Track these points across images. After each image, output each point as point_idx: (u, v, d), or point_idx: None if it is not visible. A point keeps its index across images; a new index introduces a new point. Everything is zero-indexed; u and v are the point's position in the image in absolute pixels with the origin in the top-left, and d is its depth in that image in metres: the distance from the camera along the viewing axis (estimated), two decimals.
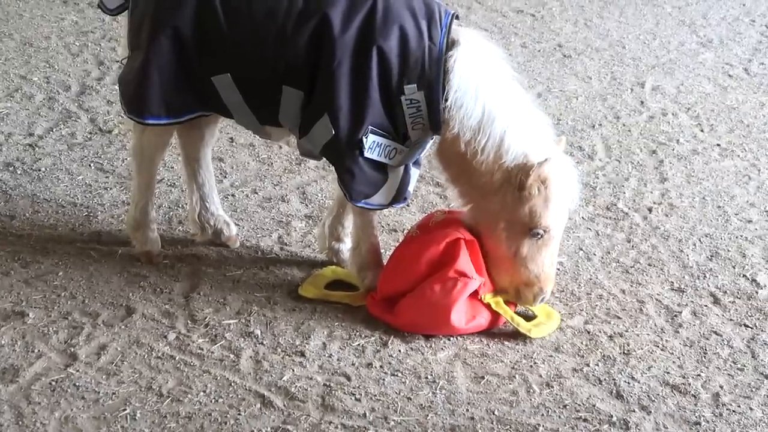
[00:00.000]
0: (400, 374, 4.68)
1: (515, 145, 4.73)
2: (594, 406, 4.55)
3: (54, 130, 6.67)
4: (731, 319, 5.19)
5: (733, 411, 4.57)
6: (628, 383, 4.70)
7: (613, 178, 6.51)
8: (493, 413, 4.48)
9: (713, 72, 8.22)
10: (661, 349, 4.94)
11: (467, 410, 4.49)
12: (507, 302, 5.01)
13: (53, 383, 4.50)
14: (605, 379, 4.71)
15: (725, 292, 5.40)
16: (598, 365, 4.81)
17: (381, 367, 4.72)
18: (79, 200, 5.90)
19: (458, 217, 5.01)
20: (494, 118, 4.74)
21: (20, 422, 4.27)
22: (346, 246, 5.37)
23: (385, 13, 4.76)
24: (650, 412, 4.53)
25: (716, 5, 9.74)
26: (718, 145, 7.01)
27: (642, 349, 4.93)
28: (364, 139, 4.79)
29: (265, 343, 4.82)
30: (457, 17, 4.91)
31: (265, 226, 5.77)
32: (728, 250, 5.77)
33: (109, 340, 4.79)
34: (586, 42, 8.71)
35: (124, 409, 4.38)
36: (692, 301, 5.31)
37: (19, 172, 6.15)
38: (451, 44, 4.78)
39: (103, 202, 5.90)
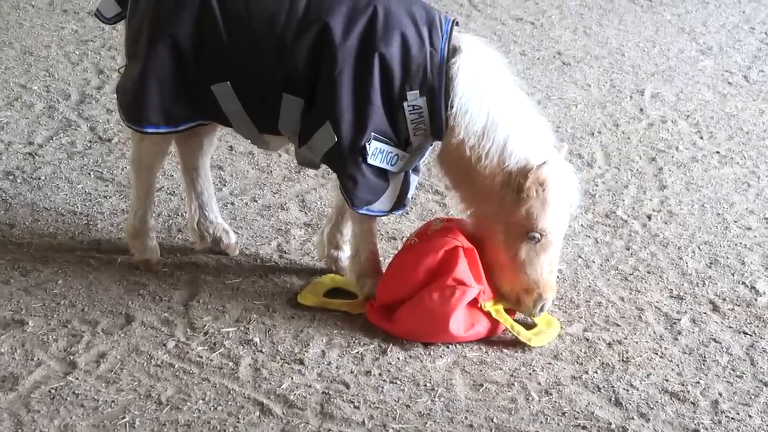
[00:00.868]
0: (398, 382, 4.69)
1: (518, 149, 4.76)
2: (593, 413, 4.56)
3: (54, 138, 6.69)
4: (730, 327, 5.20)
5: (732, 418, 4.58)
6: (627, 390, 4.71)
7: (613, 185, 6.52)
8: (492, 421, 4.49)
9: (713, 79, 8.23)
10: (660, 357, 4.95)
11: (466, 418, 4.50)
12: (507, 310, 5.02)
13: (53, 391, 4.51)
14: (604, 387, 4.72)
15: (724, 299, 5.41)
16: (596, 373, 4.82)
17: (380, 374, 4.73)
18: (79, 209, 5.92)
19: (457, 226, 5.03)
20: (498, 123, 4.78)
21: (20, 430, 4.29)
22: (345, 254, 5.38)
23: (386, 20, 4.78)
24: (649, 419, 4.54)
25: (716, 13, 9.76)
26: (718, 152, 7.02)
27: (641, 356, 4.94)
28: (367, 146, 4.80)
29: (264, 350, 4.84)
30: (457, 24, 4.93)
31: (264, 234, 5.79)
32: (727, 258, 5.78)
33: (109, 348, 4.80)
34: (585, 50, 8.72)
35: (124, 417, 4.39)
36: (691, 309, 5.32)
37: (18, 181, 6.17)
38: (453, 51, 4.80)
39: (103, 210, 5.92)
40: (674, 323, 5.20)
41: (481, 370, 4.79)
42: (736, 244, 5.92)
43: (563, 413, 4.55)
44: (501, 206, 4.83)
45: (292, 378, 4.67)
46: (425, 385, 4.67)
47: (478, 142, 4.79)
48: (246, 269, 5.46)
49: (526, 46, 8.75)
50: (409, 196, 5.12)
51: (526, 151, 4.78)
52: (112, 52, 7.99)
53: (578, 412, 4.56)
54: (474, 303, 4.90)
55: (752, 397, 4.72)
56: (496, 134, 4.78)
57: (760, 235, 6.03)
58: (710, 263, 5.72)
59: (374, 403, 4.55)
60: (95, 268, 5.38)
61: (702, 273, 5.62)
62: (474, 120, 4.78)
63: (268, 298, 5.22)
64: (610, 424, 4.50)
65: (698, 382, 4.79)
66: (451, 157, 4.90)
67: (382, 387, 4.65)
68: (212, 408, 4.47)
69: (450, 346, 4.92)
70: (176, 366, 4.71)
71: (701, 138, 7.21)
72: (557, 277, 5.42)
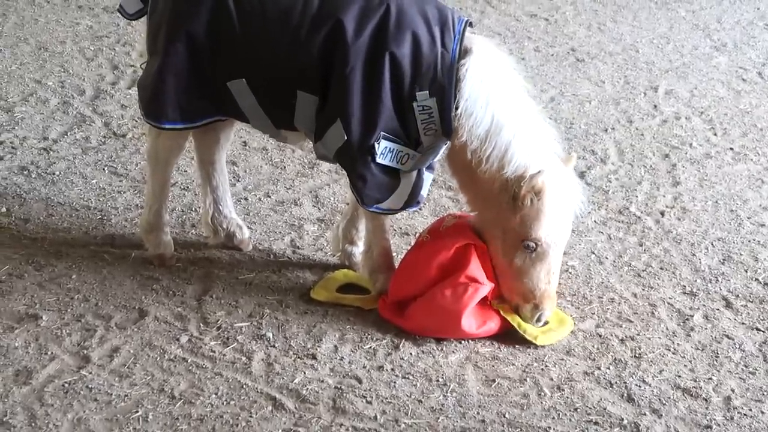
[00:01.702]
0: (411, 377, 4.69)
1: (518, 156, 4.73)
2: (605, 409, 4.55)
3: (68, 134, 6.71)
4: (743, 323, 5.18)
5: (745, 414, 4.57)
6: (640, 387, 4.70)
7: (626, 181, 6.51)
8: (504, 416, 4.48)
9: (727, 76, 8.21)
10: (673, 353, 4.94)
11: (478, 413, 4.50)
12: None
13: (66, 385, 4.52)
14: (616, 383, 4.72)
15: (737, 295, 5.39)
16: (609, 368, 4.81)
17: (392, 369, 4.73)
18: (93, 204, 5.93)
19: (468, 222, 5.03)
20: (502, 128, 4.74)
21: (33, 424, 4.29)
22: (358, 249, 5.39)
23: (398, 19, 4.77)
24: (661, 415, 4.53)
25: (730, 9, 9.74)
26: (731, 149, 7.00)
27: (653, 352, 4.93)
28: (376, 145, 4.80)
29: (276, 345, 4.84)
30: (471, 24, 4.91)
31: (278, 229, 5.79)
32: (741, 254, 5.76)
33: (122, 342, 4.81)
34: (599, 46, 8.71)
35: (137, 411, 4.40)
36: (704, 305, 5.31)
37: (33, 176, 6.18)
38: (464, 52, 4.78)
39: (117, 205, 5.93)
40: (687, 319, 5.19)
41: (493, 366, 4.79)
42: (749, 241, 5.90)
43: (575, 409, 4.55)
44: (499, 212, 4.80)
45: (304, 373, 4.68)
46: (437, 381, 4.67)
47: (480, 146, 4.76)
48: (259, 264, 5.46)
49: (540, 42, 8.75)
50: (423, 193, 5.10)
51: (527, 159, 4.74)
52: (127, 48, 8.01)
53: (590, 408, 4.55)
54: (485, 300, 4.90)
55: (765, 393, 4.71)
56: (499, 139, 4.74)
57: None
58: (723, 260, 5.71)
59: (386, 398, 4.55)
60: (109, 263, 5.39)
61: (715, 269, 5.61)
62: (478, 123, 4.75)
63: (281, 293, 5.22)
64: (622, 420, 4.49)
65: (711, 379, 4.78)
66: (456, 158, 4.88)
67: (395, 382, 4.65)
68: (225, 402, 4.48)
69: (462, 342, 4.91)
70: (189, 360, 4.72)
71: (715, 134, 7.20)
72: (569, 273, 5.45)
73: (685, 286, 5.45)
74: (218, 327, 4.94)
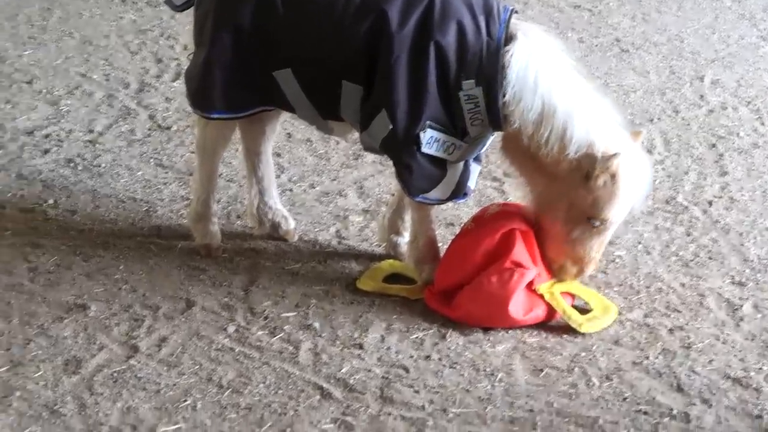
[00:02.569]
0: (458, 366, 4.68)
1: (578, 134, 4.68)
2: (654, 399, 4.53)
3: (113, 126, 6.75)
4: None
5: None
6: (689, 376, 4.67)
7: (673, 171, 6.47)
8: (552, 405, 4.47)
9: None
10: (722, 343, 4.90)
11: (526, 402, 4.48)
12: (561, 293, 5.00)
13: (115, 374, 4.55)
14: (665, 372, 4.69)
15: None
16: (658, 358, 4.78)
17: (439, 359, 4.72)
18: (139, 195, 5.97)
19: (513, 209, 5.02)
20: (555, 109, 4.69)
21: (83, 412, 4.33)
22: (404, 239, 5.38)
23: (443, 8, 4.75)
24: (711, 405, 4.50)
25: None
26: None
27: (703, 342, 4.89)
28: (422, 135, 4.79)
29: (323, 335, 4.85)
30: (516, 12, 4.89)
31: (323, 220, 5.80)
32: None
33: (170, 332, 4.84)
34: (644, 36, 8.65)
35: (185, 400, 4.42)
36: (753, 295, 5.26)
37: (80, 168, 6.23)
38: (509, 39, 4.75)
39: (163, 197, 5.96)
40: (736, 309, 5.14)
41: (541, 356, 4.78)
42: None
43: (624, 398, 4.52)
44: (568, 190, 4.77)
45: (351, 362, 4.68)
46: (485, 370, 4.66)
47: (536, 131, 4.72)
48: (305, 255, 5.48)
49: (584, 33, 8.70)
50: (470, 185, 5.09)
51: (589, 137, 4.70)
52: (171, 42, 8.05)
53: (639, 398, 4.53)
54: (530, 286, 4.89)
55: None
56: (555, 121, 4.69)
57: None
58: None
59: (434, 388, 4.55)
60: (155, 254, 5.42)
61: (764, 259, 5.56)
62: (528, 108, 4.70)
63: (327, 283, 5.23)
64: (672, 409, 4.46)
65: (761, 369, 4.73)
66: (513, 146, 4.87)
67: (442, 372, 4.65)
68: (273, 392, 4.49)
69: (510, 332, 4.90)
70: (237, 350, 4.73)
71: (762, 124, 7.13)
72: (616, 262, 5.44)
73: (733, 276, 5.41)
74: (265, 317, 4.96)
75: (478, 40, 4.73)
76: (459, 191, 5.01)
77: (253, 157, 5.52)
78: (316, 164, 6.40)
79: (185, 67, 5.39)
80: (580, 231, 4.83)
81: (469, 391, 4.54)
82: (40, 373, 4.53)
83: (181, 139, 6.58)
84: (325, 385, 4.53)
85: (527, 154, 4.81)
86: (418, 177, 4.88)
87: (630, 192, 4.78)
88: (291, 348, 4.76)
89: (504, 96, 4.72)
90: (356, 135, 5.18)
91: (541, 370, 4.68)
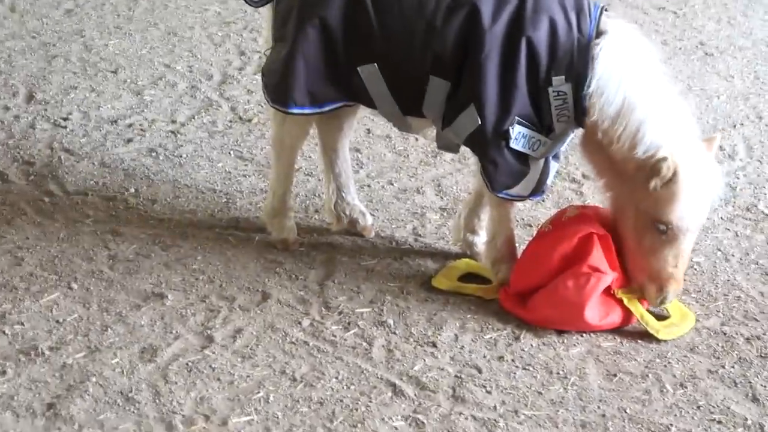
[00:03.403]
0: (531, 368, 4.66)
1: (650, 136, 4.65)
2: (729, 408, 4.47)
3: (196, 117, 6.81)
4: None
5: None
6: (765, 387, 4.60)
7: (754, 178, 6.38)
8: (625, 411, 4.43)
9: None
10: None
11: (598, 407, 4.45)
12: (639, 299, 4.95)
13: (190, 364, 4.59)
14: (741, 382, 4.63)
15: None
16: (734, 367, 4.72)
17: (512, 360, 4.71)
18: (219, 187, 6.01)
19: (591, 213, 4.99)
20: (634, 108, 4.67)
21: (157, 400, 4.37)
22: (480, 239, 5.37)
23: (535, 5, 4.75)
24: None
25: None
26: None
27: None
28: (511, 130, 4.78)
29: (397, 332, 4.85)
30: (607, 10, 4.87)
31: (400, 217, 5.80)
32: None
33: (245, 324, 4.87)
34: (729, 40, 8.55)
35: (258, 392, 4.44)
36: None
37: (161, 158, 6.29)
38: (599, 34, 4.74)
39: (242, 189, 6.00)
40: None
41: (615, 360, 4.74)
42: None
43: (698, 407, 4.47)
44: (633, 192, 4.74)
45: (424, 360, 4.68)
46: (558, 373, 4.64)
47: (611, 126, 4.70)
48: (381, 251, 5.48)
49: (668, 35, 8.62)
50: (548, 182, 5.07)
51: (660, 140, 4.66)
52: (254, 34, 8.10)
53: (714, 407, 4.48)
54: (608, 290, 4.85)
55: None
56: (631, 119, 4.67)
57: None
58: None
59: (506, 389, 4.53)
60: (233, 246, 5.46)
61: None
62: (609, 102, 4.69)
63: (402, 280, 5.23)
64: (747, 419, 4.41)
65: None
66: (590, 140, 4.84)
67: (515, 373, 4.63)
68: (345, 387, 4.50)
69: (584, 335, 4.87)
70: (311, 344, 4.75)
71: None
72: (694, 269, 5.36)
73: None
74: (340, 312, 4.97)
75: (569, 37, 4.72)
76: (539, 188, 5.00)
77: (330, 153, 5.54)
78: (394, 161, 6.40)
79: None
80: (650, 239, 4.77)
81: (542, 394, 4.51)
82: (116, 360, 4.58)
83: (262, 132, 6.61)
84: (397, 382, 4.54)
85: (600, 149, 4.79)
86: (503, 172, 4.87)
87: (694, 196, 4.70)
88: (364, 344, 4.77)
89: (588, 87, 4.70)
90: (433, 132, 5.16)
91: (615, 375, 4.64)
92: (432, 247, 5.54)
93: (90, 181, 6.01)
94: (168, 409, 4.33)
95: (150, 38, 8.01)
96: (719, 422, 4.39)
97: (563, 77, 4.73)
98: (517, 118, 4.77)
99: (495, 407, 4.42)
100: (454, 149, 5.08)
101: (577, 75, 4.72)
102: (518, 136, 4.79)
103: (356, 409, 4.37)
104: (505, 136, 4.79)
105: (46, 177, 6.03)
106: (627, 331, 4.91)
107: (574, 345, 4.82)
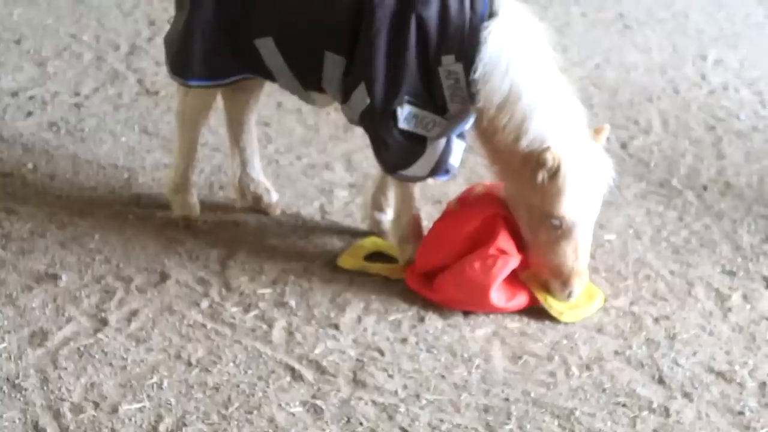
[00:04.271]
0: (435, 351, 4.55)
1: (535, 128, 4.52)
2: (634, 391, 4.39)
3: (100, 90, 6.62)
4: None
5: None
6: (672, 368, 4.54)
7: (669, 154, 6.32)
8: (529, 395, 4.34)
9: None
10: (708, 334, 4.77)
11: (502, 391, 4.35)
12: None
13: (81, 348, 4.43)
14: (648, 364, 4.56)
15: None
16: (641, 348, 4.65)
17: (416, 342, 4.60)
18: (121, 162, 5.84)
19: (498, 192, 4.88)
20: (520, 97, 4.53)
21: (45, 387, 4.20)
22: (387, 217, 5.25)
23: None
24: (693, 399, 4.36)
25: None
26: None
27: (688, 333, 4.76)
28: (399, 110, 4.65)
29: (299, 314, 4.73)
30: None
31: (308, 194, 5.67)
32: None
33: (141, 305, 4.71)
34: (648, 12, 8.50)
35: (152, 378, 4.30)
36: (743, 285, 5.12)
37: (62, 132, 6.10)
38: (492, 15, 4.59)
39: (145, 164, 5.83)
40: (725, 299, 5.01)
41: (520, 342, 4.65)
42: None
43: (603, 390, 4.39)
44: (522, 188, 4.63)
45: (326, 343, 4.56)
46: (462, 356, 4.54)
47: (497, 115, 4.57)
48: (286, 229, 5.35)
49: (588, 7, 8.55)
50: (453, 162, 4.92)
51: (545, 132, 4.54)
52: (165, 4, 7.90)
53: (619, 389, 4.40)
54: (514, 273, 4.75)
55: None
56: (516, 109, 4.54)
57: None
58: (766, 238, 5.52)
59: (409, 372, 4.42)
60: (133, 224, 5.29)
61: (757, 248, 5.42)
62: (495, 90, 4.54)
63: (306, 259, 5.10)
64: (652, 402, 4.33)
65: (746, 363, 4.60)
66: (480, 126, 4.71)
67: (418, 356, 4.52)
68: (242, 371, 4.36)
69: (490, 316, 4.78)
70: (209, 326, 4.61)
71: (763, 107, 6.99)
72: (605, 247, 5.30)
73: (724, 265, 5.27)
74: (240, 293, 4.83)
75: (460, 15, 4.57)
76: (440, 168, 4.85)
77: (235, 126, 5.39)
78: (304, 135, 6.26)
79: None
80: (545, 234, 4.67)
81: (445, 377, 4.41)
82: (3, 345, 4.41)
83: (168, 105, 6.43)
84: (296, 366, 4.41)
85: (485, 136, 4.68)
86: (395, 153, 4.75)
87: (582, 188, 4.59)
88: (264, 326, 4.63)
89: (475, 73, 4.55)
90: (339, 106, 5.04)
91: (520, 357, 4.55)
92: (339, 225, 5.42)
93: None
94: (56, 396, 4.16)
95: (56, 6, 7.79)
96: (624, 405, 4.32)
97: (453, 56, 4.58)
98: (406, 97, 4.64)
99: (396, 392, 4.31)
100: (358, 123, 4.94)
101: (468, 55, 4.56)
102: (408, 116, 4.66)
103: (253, 395, 4.24)
104: (394, 116, 4.66)
105: None
106: (534, 311, 4.82)
107: (480, 326, 4.72)
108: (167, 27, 7.21)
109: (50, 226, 5.22)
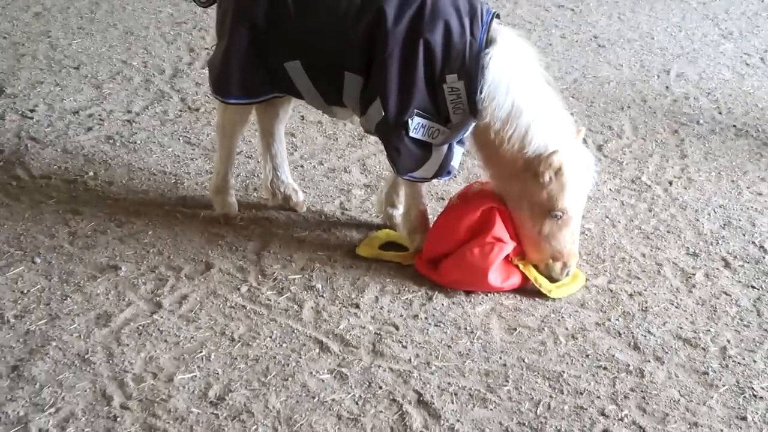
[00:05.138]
0: (442, 325, 4.62)
1: (538, 137, 4.62)
2: (613, 356, 4.46)
3: (149, 108, 6.68)
4: (740, 281, 5.06)
5: (738, 363, 4.46)
6: (645, 336, 4.60)
7: (639, 154, 6.38)
8: (524, 361, 4.41)
9: (732, 61, 8.02)
10: (676, 307, 4.83)
11: (500, 358, 4.43)
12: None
13: (140, 328, 4.51)
14: (624, 333, 4.62)
15: (735, 257, 5.27)
16: (618, 320, 4.72)
17: (426, 318, 4.67)
18: (169, 169, 5.90)
19: (492, 188, 4.94)
20: (522, 112, 4.62)
21: (111, 361, 4.28)
22: (399, 212, 5.31)
23: (433, 9, 4.66)
24: (663, 362, 4.44)
25: (737, 1, 9.51)
26: (734, 125, 6.84)
27: (658, 306, 4.83)
28: (410, 121, 4.71)
29: (325, 295, 4.79)
30: (498, 16, 4.79)
31: (329, 193, 5.74)
32: (740, 220, 5.63)
33: (190, 291, 4.78)
34: (618, 33, 8.55)
35: (201, 351, 4.37)
36: (705, 265, 5.19)
37: (117, 144, 6.17)
38: (490, 41, 4.65)
39: (189, 171, 5.90)
40: (689, 277, 5.07)
41: (515, 316, 4.71)
42: (747, 208, 5.76)
43: (587, 355, 4.46)
44: (524, 188, 4.71)
45: (348, 320, 4.63)
46: (465, 329, 4.61)
47: (502, 128, 4.65)
48: (312, 224, 5.41)
49: (566, 30, 8.60)
50: (454, 165, 4.98)
51: (546, 140, 4.63)
52: (202, 33, 7.98)
53: (600, 355, 4.47)
54: (508, 258, 4.82)
55: (757, 344, 4.60)
56: (519, 122, 4.63)
57: None
58: (724, 224, 5.58)
59: (420, 343, 4.49)
60: (180, 221, 5.36)
61: (716, 233, 5.48)
62: (500, 107, 4.62)
63: (330, 249, 5.17)
64: (629, 365, 4.40)
65: (709, 330, 4.67)
66: (481, 137, 4.78)
67: (428, 329, 4.59)
68: (278, 345, 4.44)
69: (489, 295, 4.84)
70: (248, 308, 4.68)
71: (720, 113, 7.04)
72: (585, 235, 5.35)
73: (688, 248, 5.33)
74: (274, 278, 4.90)
75: (462, 39, 4.63)
76: (442, 170, 4.92)
77: (267, 137, 5.45)
78: (325, 144, 6.32)
79: None
80: (547, 226, 4.75)
81: (451, 347, 4.48)
82: (74, 326, 4.49)
83: (208, 120, 6.51)
84: (324, 340, 4.48)
85: (491, 146, 4.74)
86: (406, 158, 4.81)
87: (577, 181, 4.69)
88: (295, 306, 4.71)
89: (480, 93, 4.63)
90: (357, 119, 5.10)
91: (515, 329, 4.62)
92: (357, 220, 5.48)
93: (53, 166, 5.88)
94: (120, 369, 4.24)
95: (109, 37, 7.86)
96: (605, 368, 4.39)
97: (456, 75, 4.65)
98: (416, 110, 4.70)
99: (410, 360, 4.38)
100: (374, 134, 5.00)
101: (469, 74, 4.64)
102: (417, 126, 4.72)
103: (287, 365, 4.31)
104: (406, 127, 4.72)
105: (13, 163, 5.89)
106: (526, 290, 4.89)
107: (480, 303, 4.79)
108: (204, 53, 7.41)
109: (110, 225, 5.29)
